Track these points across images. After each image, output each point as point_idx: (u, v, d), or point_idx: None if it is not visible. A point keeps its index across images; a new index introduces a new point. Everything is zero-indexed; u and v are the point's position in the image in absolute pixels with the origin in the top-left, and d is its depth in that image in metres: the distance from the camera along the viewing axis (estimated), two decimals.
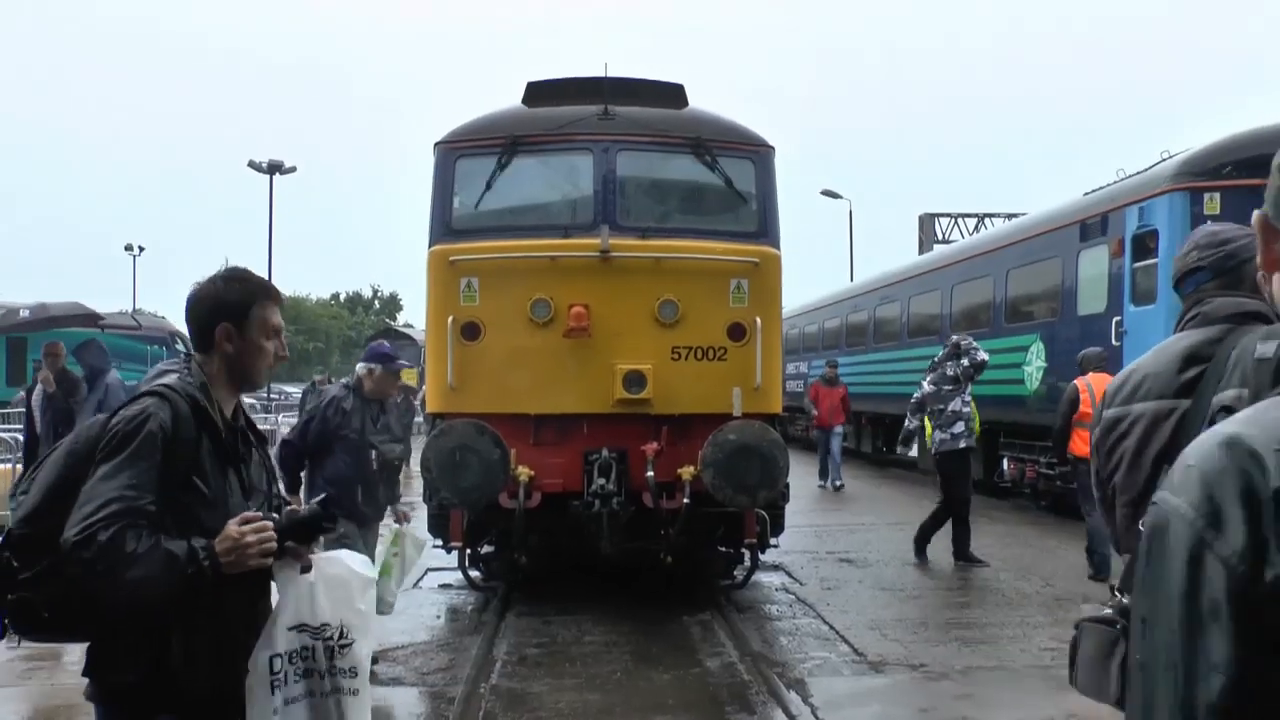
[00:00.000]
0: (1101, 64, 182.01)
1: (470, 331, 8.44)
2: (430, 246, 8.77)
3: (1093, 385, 10.19)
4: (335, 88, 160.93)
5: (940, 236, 37.83)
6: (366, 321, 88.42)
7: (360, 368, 7.24)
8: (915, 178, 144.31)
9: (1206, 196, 11.67)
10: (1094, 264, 13.68)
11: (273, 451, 6.40)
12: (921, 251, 33.58)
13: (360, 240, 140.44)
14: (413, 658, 7.47)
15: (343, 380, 7.44)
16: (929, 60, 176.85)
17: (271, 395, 37.85)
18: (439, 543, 9.03)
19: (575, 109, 8.82)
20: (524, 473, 8.15)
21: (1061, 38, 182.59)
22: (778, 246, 8.91)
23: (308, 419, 7.18)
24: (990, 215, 35.97)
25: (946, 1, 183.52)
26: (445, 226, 8.82)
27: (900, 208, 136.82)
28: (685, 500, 8.15)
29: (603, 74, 8.95)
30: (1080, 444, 10.07)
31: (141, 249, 54.86)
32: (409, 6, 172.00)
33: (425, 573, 10.48)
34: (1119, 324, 12.83)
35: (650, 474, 8.11)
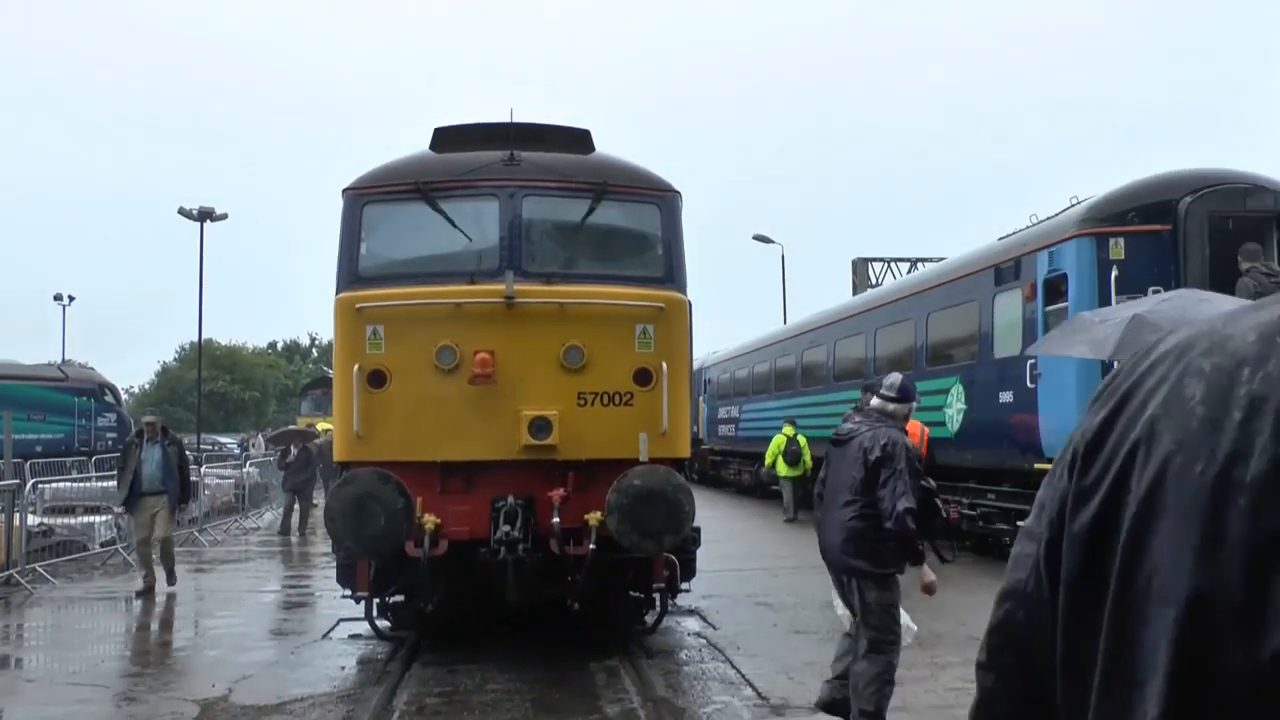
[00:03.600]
0: (1036, 107, 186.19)
1: (376, 379, 8.39)
2: (337, 293, 8.74)
3: None
4: (270, 133, 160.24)
5: (874, 281, 38.23)
6: (304, 370, 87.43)
7: (901, 406, 6.48)
8: (849, 223, 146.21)
9: (1111, 241, 11.95)
10: (1009, 308, 13.92)
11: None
12: (855, 296, 33.93)
13: (297, 288, 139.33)
14: (310, 710, 7.34)
15: (877, 427, 6.31)
16: (864, 105, 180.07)
17: (203, 446, 37.16)
18: (348, 592, 8.94)
19: (482, 154, 8.86)
20: (430, 521, 8.09)
21: (998, 80, 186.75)
22: (684, 291, 8.97)
23: (909, 477, 6.08)
24: (922, 260, 36.38)
25: (880, 47, 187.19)
26: (352, 273, 8.79)
27: (835, 252, 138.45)
28: (592, 546, 8.12)
29: (509, 119, 9.00)
30: None
31: (72, 298, 53.78)
32: (335, 54, 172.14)
33: (336, 623, 10.37)
34: (1033, 366, 13.04)
35: (556, 520, 8.08)
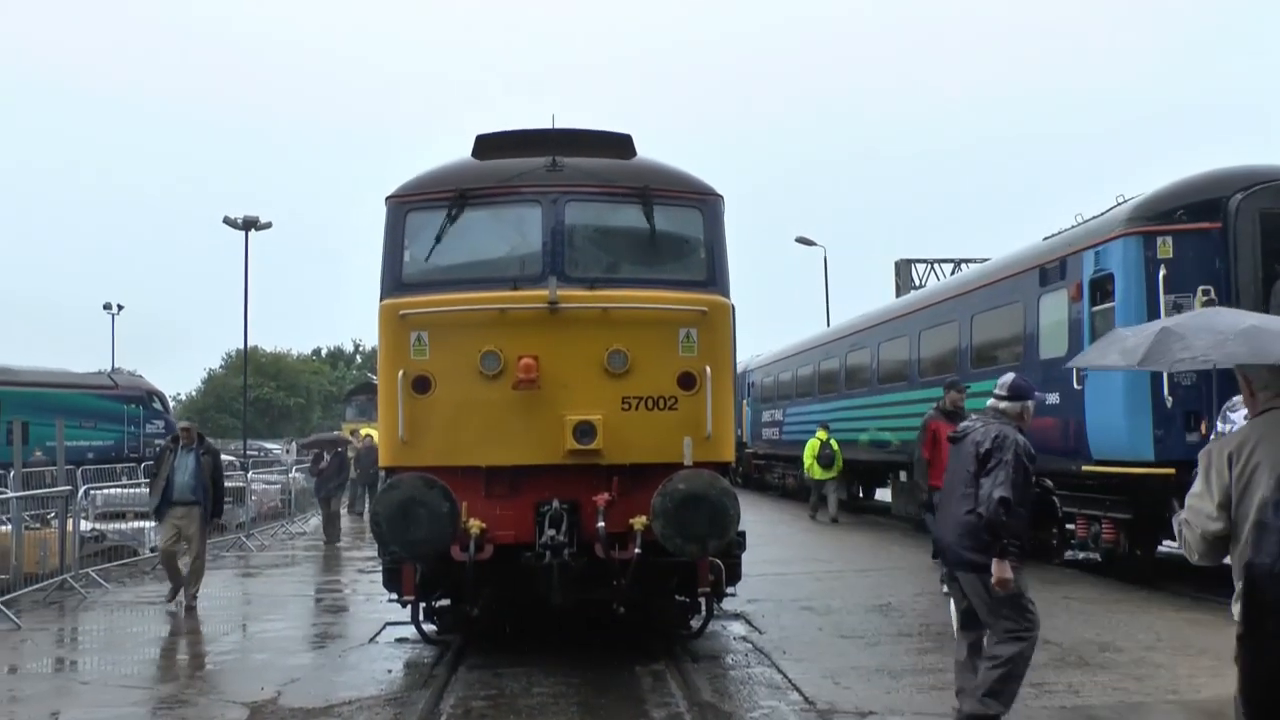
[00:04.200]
0: (1080, 106, 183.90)
1: (421, 385, 8.44)
2: (381, 300, 8.80)
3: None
4: (311, 142, 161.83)
5: (917, 282, 38.01)
6: (348, 376, 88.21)
7: (1012, 404, 6.48)
8: (892, 223, 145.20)
9: (1160, 240, 11.79)
10: (1054, 309, 13.77)
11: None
12: (898, 298, 33.77)
13: (342, 295, 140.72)
14: (358, 713, 7.39)
15: (991, 423, 6.36)
16: (904, 104, 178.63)
17: (250, 452, 37.59)
18: (394, 596, 8.99)
19: (523, 161, 8.88)
20: (475, 525, 8.13)
21: (1041, 78, 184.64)
22: (727, 295, 8.95)
23: (1014, 469, 6.11)
24: (966, 260, 36.13)
25: (920, 45, 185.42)
26: (396, 280, 8.85)
27: (878, 253, 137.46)
28: (637, 550, 8.11)
29: (550, 125, 9.03)
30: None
31: (120, 307, 54.70)
32: (391, 61, 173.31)
33: (383, 627, 10.46)
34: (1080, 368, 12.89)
35: (601, 524, 8.08)
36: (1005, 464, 6.10)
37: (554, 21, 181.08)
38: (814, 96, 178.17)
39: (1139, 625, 9.84)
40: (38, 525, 14.23)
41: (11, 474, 14.70)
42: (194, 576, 12.22)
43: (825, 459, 21.71)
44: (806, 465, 22.29)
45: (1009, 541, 6.09)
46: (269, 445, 54.54)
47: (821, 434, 22.04)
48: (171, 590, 12.26)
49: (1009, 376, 6.78)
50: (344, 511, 24.11)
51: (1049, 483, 6.66)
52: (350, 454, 21.10)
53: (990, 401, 6.65)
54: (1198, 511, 4.05)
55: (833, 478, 21.94)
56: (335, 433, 24.89)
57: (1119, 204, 12.93)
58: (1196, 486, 4.11)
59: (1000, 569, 6.11)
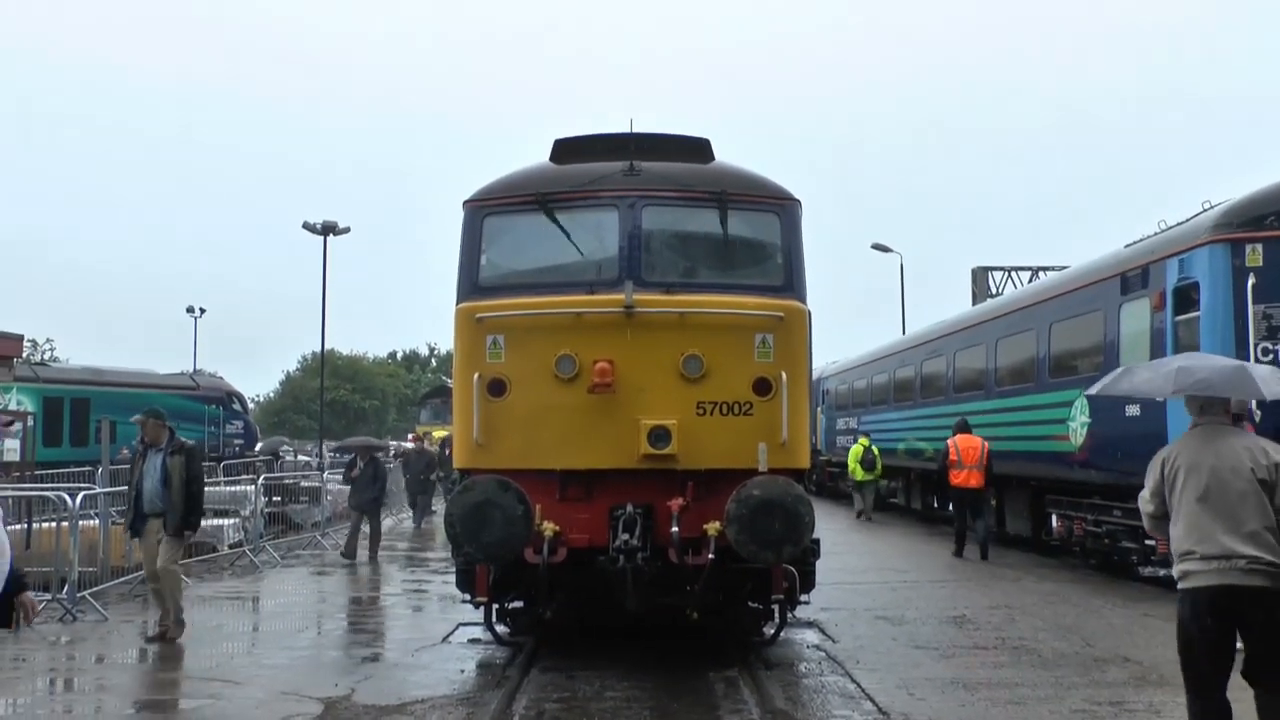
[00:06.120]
0: (1169, 112, 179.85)
1: (496, 388, 8.49)
2: (458, 304, 8.87)
3: (958, 443, 16.86)
4: (391, 148, 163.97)
5: (994, 290, 37.49)
6: (423, 379, 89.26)
7: None
8: (970, 231, 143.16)
9: (1249, 248, 11.47)
10: (1136, 318, 13.46)
11: None
12: (975, 305, 33.35)
13: (417, 299, 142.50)
14: (430, 712, 7.45)
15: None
16: (985, 112, 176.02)
17: (329, 453, 38.14)
18: (467, 597, 9.07)
19: (601, 165, 8.91)
20: (549, 528, 8.16)
21: (1124, 86, 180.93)
22: (804, 300, 8.90)
23: None
24: (1044, 268, 35.55)
25: (1004, 52, 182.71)
26: (472, 284, 8.92)
27: (955, 260, 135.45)
28: (710, 556, 8.08)
29: (628, 130, 9.04)
30: (954, 479, 16.75)
31: (203, 311, 55.89)
32: (467, 71, 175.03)
33: (456, 627, 10.55)
34: None
35: (675, 529, 8.07)
36: None
37: (642, 29, 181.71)
38: (891, 100, 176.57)
39: None
40: (123, 521, 14.57)
41: (99, 471, 15.10)
42: (165, 595, 10.09)
43: (867, 463, 24.31)
44: (850, 469, 24.85)
45: None
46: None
47: (864, 441, 24.77)
48: (160, 621, 10.14)
49: None
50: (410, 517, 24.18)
51: None
52: (386, 458, 20.40)
53: None
54: (1142, 497, 5.66)
55: (872, 480, 24.64)
56: (366, 439, 23.12)
57: (1205, 210, 12.62)
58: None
59: None
